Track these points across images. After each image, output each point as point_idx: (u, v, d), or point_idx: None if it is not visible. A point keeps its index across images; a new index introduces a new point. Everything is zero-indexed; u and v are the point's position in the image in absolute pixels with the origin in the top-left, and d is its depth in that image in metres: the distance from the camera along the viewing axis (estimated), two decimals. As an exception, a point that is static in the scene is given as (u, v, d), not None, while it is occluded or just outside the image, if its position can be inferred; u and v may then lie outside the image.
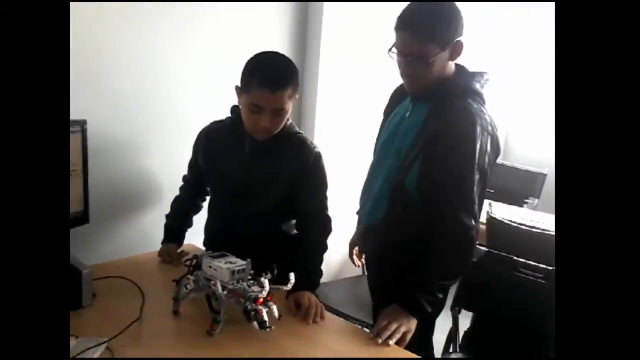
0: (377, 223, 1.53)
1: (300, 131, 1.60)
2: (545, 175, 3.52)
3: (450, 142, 1.35)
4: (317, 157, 1.55)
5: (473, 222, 1.37)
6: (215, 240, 1.66)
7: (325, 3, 2.44)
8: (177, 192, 1.79)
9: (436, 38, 1.32)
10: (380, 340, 1.27)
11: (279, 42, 2.39)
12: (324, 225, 1.58)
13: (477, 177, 1.35)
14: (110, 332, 1.18)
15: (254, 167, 1.54)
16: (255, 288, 1.22)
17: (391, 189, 1.46)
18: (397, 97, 1.62)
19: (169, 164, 2.02)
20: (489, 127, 1.38)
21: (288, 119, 1.56)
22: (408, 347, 1.31)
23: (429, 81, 1.39)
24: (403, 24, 1.34)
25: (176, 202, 1.77)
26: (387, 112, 1.65)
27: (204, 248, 1.70)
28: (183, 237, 1.73)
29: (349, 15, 2.54)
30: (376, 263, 1.64)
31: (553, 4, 3.73)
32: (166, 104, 2.02)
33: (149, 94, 1.95)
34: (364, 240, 1.68)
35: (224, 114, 1.63)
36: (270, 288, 1.22)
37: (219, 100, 1.74)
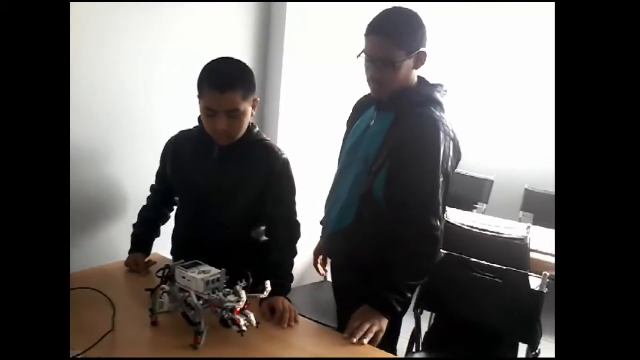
0: (345, 229, 1.56)
1: (267, 138, 1.63)
2: (493, 181, 3.72)
3: (416, 148, 1.42)
4: (285, 163, 1.58)
5: (439, 224, 1.45)
6: (183, 249, 1.64)
7: (288, 3, 2.46)
8: (143, 202, 1.77)
9: (404, 44, 1.40)
10: (355, 340, 1.31)
11: (242, 44, 2.40)
12: (294, 231, 1.61)
13: (441, 180, 1.43)
14: (83, 344, 1.16)
15: (221, 175, 1.55)
16: (232, 297, 1.22)
17: (360, 195, 1.50)
18: (361, 107, 1.67)
19: (135, 173, 1.99)
20: (451, 133, 1.47)
21: (255, 127, 1.59)
22: (378, 346, 1.36)
23: (395, 87, 1.45)
24: (373, 29, 1.42)
25: (144, 212, 1.75)
26: (351, 122, 1.70)
27: (171, 257, 1.69)
28: (151, 247, 1.71)
29: (313, 15, 2.58)
30: (344, 269, 1.67)
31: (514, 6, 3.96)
32: (132, 111, 1.99)
33: (114, 102, 1.92)
34: (331, 247, 1.71)
35: (192, 120, 1.63)
36: (247, 297, 1.23)
37: (186, 107, 1.74)
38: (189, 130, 1.65)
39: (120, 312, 1.35)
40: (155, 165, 1.72)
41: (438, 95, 1.50)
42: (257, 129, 1.61)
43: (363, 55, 1.45)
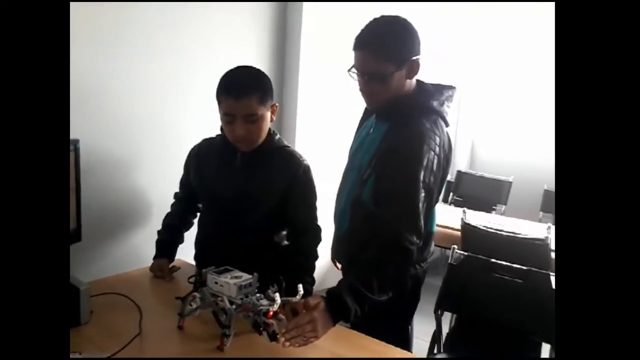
0: (344, 233, 1.58)
1: (288, 145, 1.66)
2: (511, 182, 3.69)
3: (397, 159, 1.38)
4: (306, 169, 1.62)
5: (415, 238, 1.34)
6: (207, 254, 1.67)
7: (304, 3, 2.48)
8: (167, 209, 1.80)
9: (391, 57, 1.36)
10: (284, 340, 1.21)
11: (258, 47, 2.44)
12: (315, 235, 1.65)
13: (422, 194, 1.37)
14: (111, 348, 1.19)
15: (244, 182, 1.58)
16: (264, 302, 1.23)
17: (352, 202, 1.52)
18: (367, 113, 1.66)
19: (159, 181, 2.03)
20: (437, 148, 1.41)
21: (276, 133, 1.62)
22: None
23: (387, 98, 1.43)
24: (360, 43, 1.39)
25: (167, 218, 1.79)
26: (357, 128, 1.69)
27: (194, 263, 1.72)
28: (175, 253, 1.74)
29: (329, 16, 2.60)
30: (346, 272, 1.63)
31: (521, 6, 3.94)
32: (155, 120, 2.03)
33: (138, 111, 1.97)
34: (336, 250, 1.69)
35: (216, 127, 1.66)
36: (281, 301, 1.24)
37: (209, 114, 1.76)
38: (212, 138, 1.68)
39: (147, 317, 1.38)
40: (178, 172, 1.75)
41: (435, 104, 1.46)
42: (278, 135, 1.64)
43: (353, 69, 1.43)
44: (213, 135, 1.68)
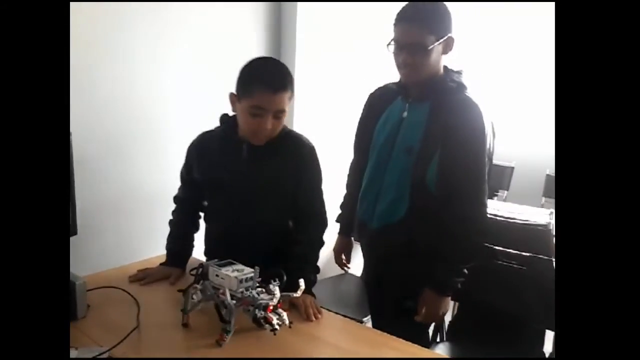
0: (399, 220, 1.57)
1: (293, 130, 1.60)
2: (513, 168, 3.66)
3: (464, 133, 1.47)
4: (312, 149, 1.57)
5: (485, 208, 1.52)
6: (217, 248, 1.62)
7: (299, 3, 2.46)
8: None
9: (433, 30, 1.45)
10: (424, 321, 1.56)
11: (253, 45, 2.41)
12: (321, 221, 1.59)
13: (487, 163, 1.51)
14: (109, 342, 1.18)
15: (254, 173, 1.52)
16: (265, 296, 1.22)
17: (411, 186, 1.54)
18: (383, 100, 1.68)
19: (155, 173, 2.01)
20: (487, 116, 1.51)
21: None
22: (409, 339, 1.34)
23: (427, 71, 1.50)
24: (403, 17, 1.48)
25: (176, 227, 1.70)
26: (373, 115, 1.69)
27: (197, 258, 1.66)
28: (187, 262, 1.67)
29: (323, 14, 2.57)
30: (398, 259, 1.64)
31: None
32: (149, 111, 2.00)
33: (132, 102, 1.94)
34: (379, 240, 1.67)
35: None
36: (280, 295, 1.22)
37: (202, 106, 1.74)
38: (211, 131, 1.61)
39: (145, 310, 1.36)
40: (172, 163, 1.72)
41: (466, 82, 1.54)
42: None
43: (392, 44, 1.50)
44: (205, 127, 1.63)
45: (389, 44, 1.51)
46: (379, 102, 1.69)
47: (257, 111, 1.41)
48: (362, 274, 2.35)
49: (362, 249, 1.84)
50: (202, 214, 1.72)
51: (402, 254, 1.61)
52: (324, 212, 1.60)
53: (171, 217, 1.70)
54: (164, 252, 1.68)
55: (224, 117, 1.57)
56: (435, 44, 1.46)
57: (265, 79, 1.41)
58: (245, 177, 1.53)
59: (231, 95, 1.47)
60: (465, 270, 1.53)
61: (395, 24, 1.50)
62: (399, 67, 1.53)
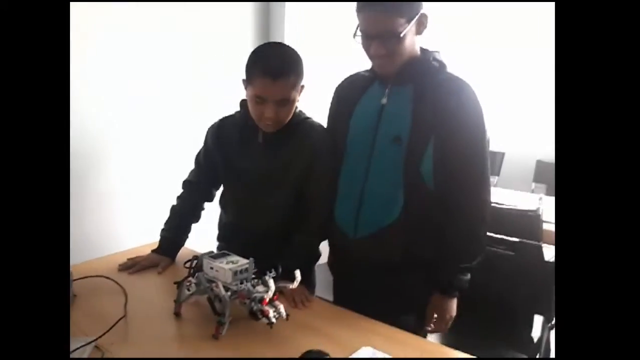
0: (393, 223, 1.39)
1: (309, 116, 1.56)
2: (504, 153, 3.67)
3: (462, 119, 1.32)
4: (324, 133, 1.53)
5: (489, 198, 1.38)
6: (230, 234, 1.62)
7: (287, 3, 2.44)
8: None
9: (402, 12, 1.27)
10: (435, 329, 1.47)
11: (242, 44, 2.39)
12: (326, 211, 1.52)
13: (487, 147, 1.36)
14: (96, 331, 1.16)
15: (268, 160, 1.50)
16: (260, 288, 1.18)
17: (404, 182, 1.36)
18: (353, 90, 1.50)
19: (140, 164, 1.98)
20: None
21: (296, 107, 1.49)
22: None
23: (403, 59, 1.34)
24: (366, 3, 1.28)
25: (175, 214, 1.67)
26: (346, 105, 1.51)
27: (196, 250, 1.62)
28: (177, 254, 1.65)
29: (312, 15, 2.57)
30: (396, 266, 1.43)
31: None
32: (136, 109, 1.99)
33: (117, 101, 1.93)
34: (372, 247, 1.44)
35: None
36: (275, 287, 1.19)
37: (188, 105, 1.71)
38: (231, 116, 1.60)
39: (134, 300, 1.35)
40: (158, 160, 1.71)
41: (445, 61, 1.40)
42: (299, 108, 1.52)
43: (359, 33, 1.32)
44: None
45: (355, 34, 1.32)
46: (350, 93, 1.50)
47: (259, 99, 1.39)
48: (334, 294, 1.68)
49: (337, 265, 1.62)
50: (206, 205, 1.70)
51: (397, 263, 1.41)
52: (329, 202, 1.51)
53: (174, 203, 1.68)
54: (150, 242, 1.67)
55: (243, 102, 1.52)
56: (408, 27, 1.27)
57: (265, 67, 1.36)
58: (259, 163, 1.51)
59: (243, 81, 1.45)
60: (470, 270, 1.42)
61: (358, 11, 1.30)
62: (371, 58, 1.37)
